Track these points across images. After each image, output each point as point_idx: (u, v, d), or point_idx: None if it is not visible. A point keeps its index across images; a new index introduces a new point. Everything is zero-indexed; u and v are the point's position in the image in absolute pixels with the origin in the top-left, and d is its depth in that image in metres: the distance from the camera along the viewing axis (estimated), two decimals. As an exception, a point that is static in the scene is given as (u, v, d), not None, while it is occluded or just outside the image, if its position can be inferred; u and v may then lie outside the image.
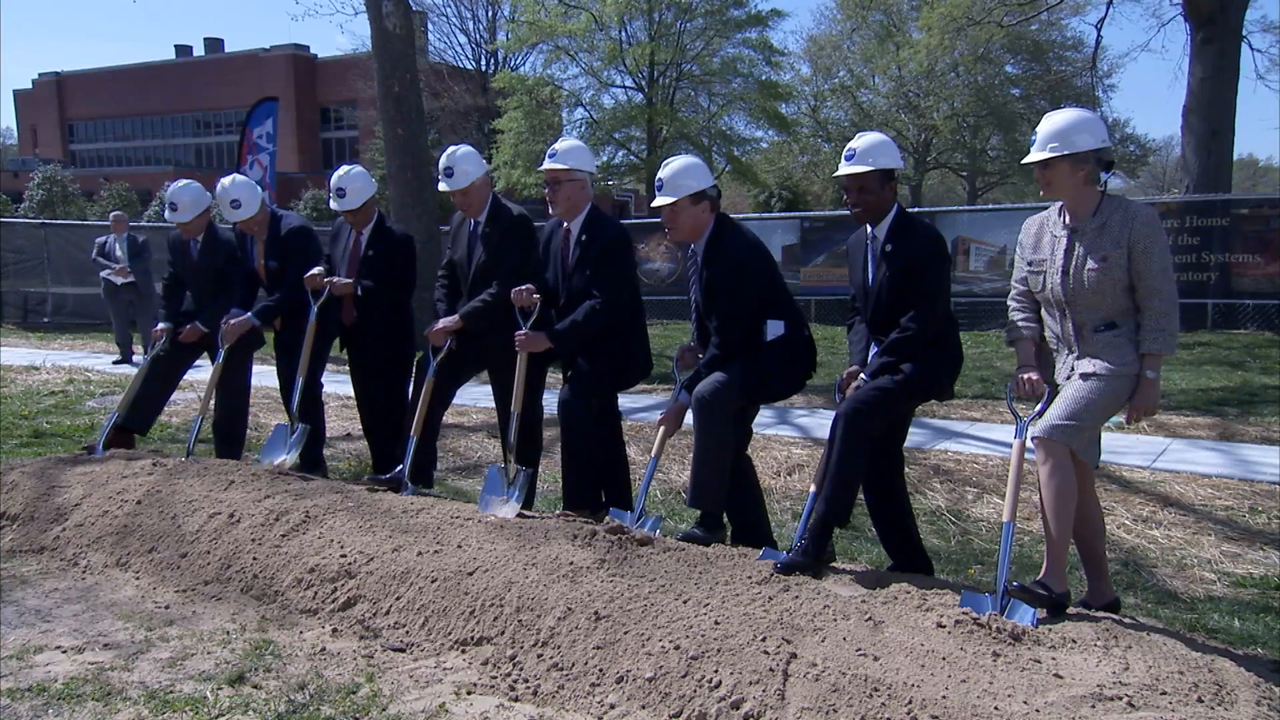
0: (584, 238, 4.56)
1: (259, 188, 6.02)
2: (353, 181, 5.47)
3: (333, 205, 5.51)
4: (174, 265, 6.30)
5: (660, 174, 4.21)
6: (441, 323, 4.90)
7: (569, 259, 4.62)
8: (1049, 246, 3.51)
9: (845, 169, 3.77)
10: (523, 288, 4.62)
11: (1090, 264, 3.37)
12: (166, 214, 6.15)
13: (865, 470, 3.73)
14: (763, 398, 4.37)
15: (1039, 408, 3.47)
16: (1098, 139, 3.38)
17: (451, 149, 4.93)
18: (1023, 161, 3.52)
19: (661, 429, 4.34)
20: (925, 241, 3.74)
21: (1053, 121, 3.42)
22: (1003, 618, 3.12)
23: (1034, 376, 3.52)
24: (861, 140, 3.81)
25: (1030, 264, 3.58)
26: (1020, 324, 3.65)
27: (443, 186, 4.89)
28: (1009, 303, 3.74)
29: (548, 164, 4.58)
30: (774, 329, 4.13)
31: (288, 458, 5.49)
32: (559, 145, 4.63)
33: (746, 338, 4.11)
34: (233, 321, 5.72)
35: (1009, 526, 3.34)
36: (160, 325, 6.21)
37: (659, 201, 4.19)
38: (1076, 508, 3.39)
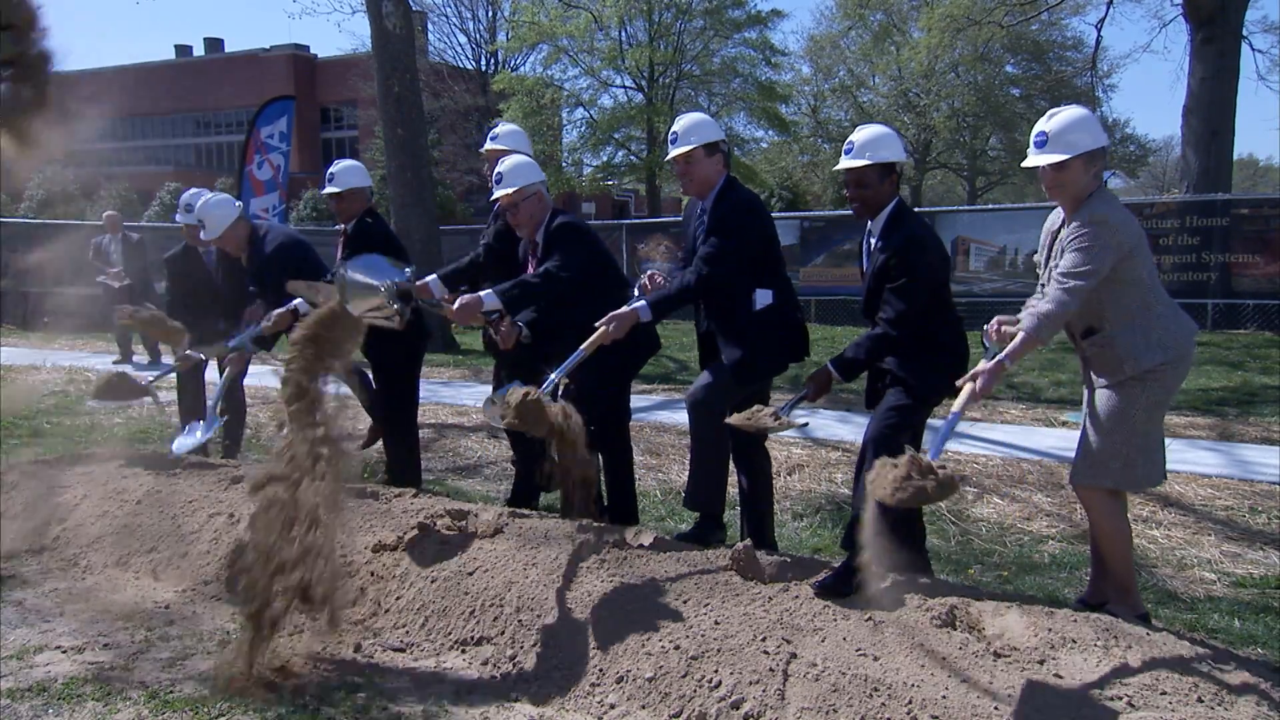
0: (541, 241, 4.53)
1: (234, 202, 5.78)
2: (344, 170, 5.46)
3: (324, 190, 5.53)
4: (185, 281, 6.23)
5: (674, 128, 4.21)
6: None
7: (538, 261, 4.59)
8: (1047, 245, 3.49)
9: (844, 163, 3.71)
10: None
11: (1052, 273, 3.34)
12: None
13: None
14: (752, 380, 4.27)
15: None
16: (1103, 134, 3.32)
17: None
18: (1035, 164, 3.30)
19: (604, 328, 4.00)
20: (905, 239, 3.59)
21: (1063, 121, 3.27)
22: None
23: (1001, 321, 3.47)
24: (861, 133, 3.73)
25: (1038, 263, 3.55)
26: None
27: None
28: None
29: (498, 191, 4.47)
30: (763, 298, 4.10)
31: None
32: (501, 168, 4.48)
33: (720, 283, 4.03)
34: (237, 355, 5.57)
35: (954, 417, 3.18)
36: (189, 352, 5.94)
37: (674, 153, 4.16)
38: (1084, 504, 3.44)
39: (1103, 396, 3.34)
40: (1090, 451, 3.36)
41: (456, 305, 4.31)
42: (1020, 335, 3.19)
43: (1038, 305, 3.25)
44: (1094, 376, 3.38)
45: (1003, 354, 3.16)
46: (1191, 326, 3.41)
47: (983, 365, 3.18)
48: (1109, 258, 3.18)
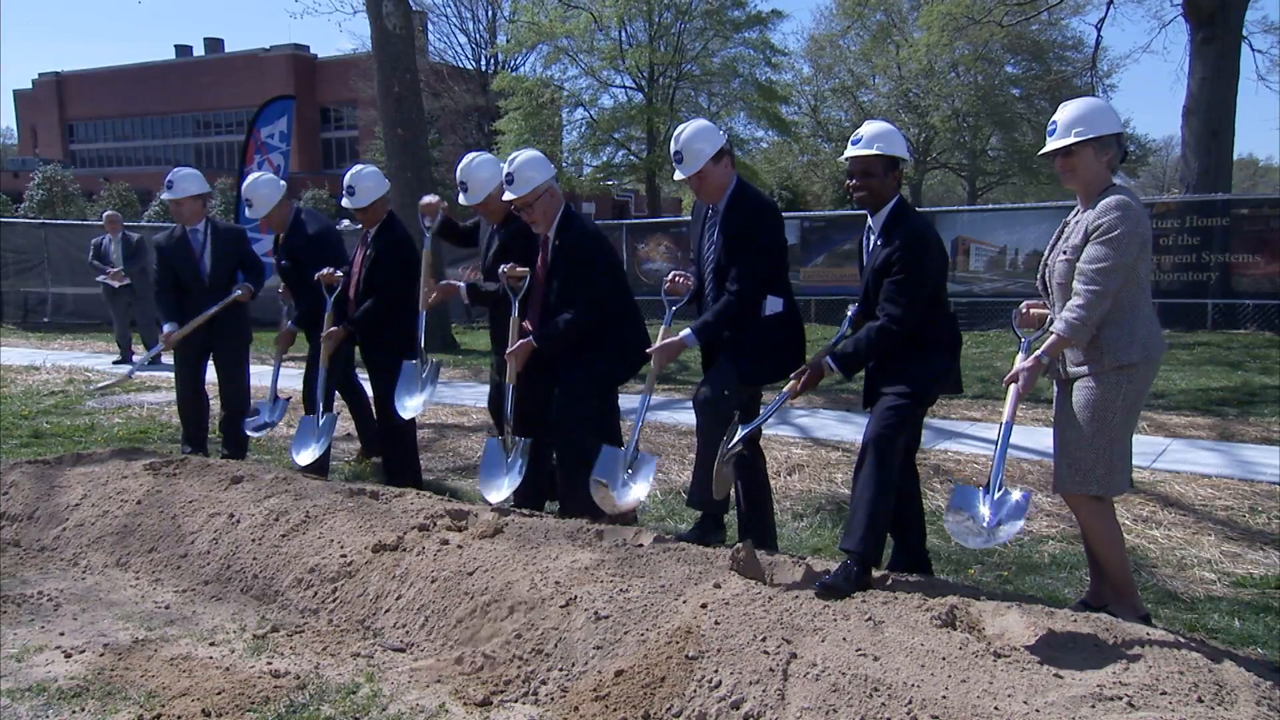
0: (557, 243, 4.57)
1: (279, 182, 5.92)
2: (362, 180, 5.43)
3: (344, 202, 5.50)
4: (172, 265, 6.10)
5: (675, 147, 4.21)
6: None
7: (547, 261, 4.63)
8: (1057, 231, 3.50)
9: (852, 151, 3.76)
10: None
11: (1060, 252, 3.36)
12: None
13: (895, 497, 3.65)
14: (758, 382, 4.32)
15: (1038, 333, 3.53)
16: (1118, 124, 3.36)
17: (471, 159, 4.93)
18: (1043, 151, 3.44)
19: (653, 361, 4.23)
20: (908, 235, 3.63)
21: (1073, 108, 3.37)
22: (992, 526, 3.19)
23: (1033, 306, 3.61)
24: (870, 127, 3.81)
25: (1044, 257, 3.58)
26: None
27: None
28: None
29: (509, 195, 4.50)
30: (772, 305, 4.14)
31: (317, 447, 5.45)
32: (512, 169, 4.48)
33: (755, 298, 4.11)
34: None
35: (1007, 427, 3.30)
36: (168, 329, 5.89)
37: (683, 176, 4.19)
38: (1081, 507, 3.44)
39: (1080, 393, 3.34)
40: (1074, 459, 3.37)
41: (512, 349, 4.54)
42: (1054, 338, 3.28)
43: (1067, 308, 3.27)
44: (1070, 367, 3.39)
45: (1039, 351, 3.29)
46: (1162, 335, 3.47)
47: (1020, 364, 3.32)
48: (1134, 247, 3.22)
